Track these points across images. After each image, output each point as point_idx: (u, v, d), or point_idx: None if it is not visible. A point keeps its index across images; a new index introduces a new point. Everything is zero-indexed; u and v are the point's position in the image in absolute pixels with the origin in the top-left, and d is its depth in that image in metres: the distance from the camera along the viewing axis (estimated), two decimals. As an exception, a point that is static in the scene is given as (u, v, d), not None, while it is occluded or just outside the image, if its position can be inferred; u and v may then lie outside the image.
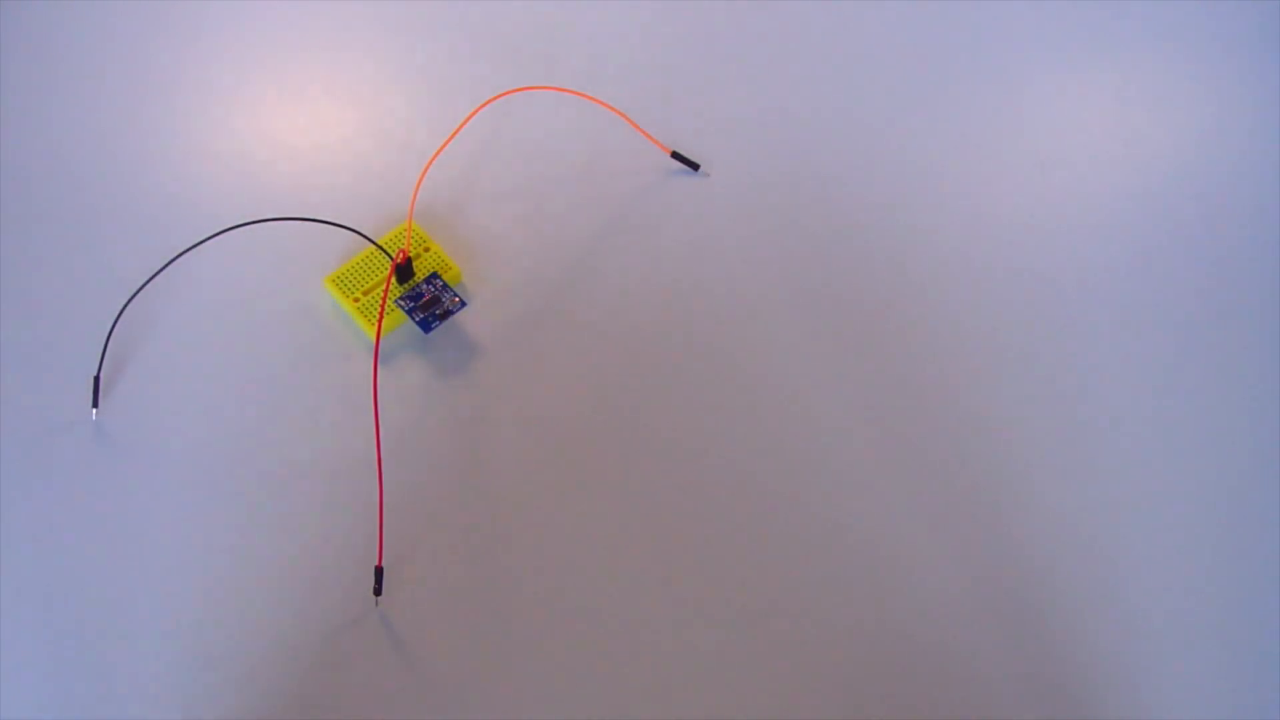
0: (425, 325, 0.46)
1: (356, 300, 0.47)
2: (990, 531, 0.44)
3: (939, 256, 0.51)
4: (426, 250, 0.48)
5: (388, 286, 0.46)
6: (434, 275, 0.47)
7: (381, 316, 0.45)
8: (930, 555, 0.44)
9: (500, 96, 0.48)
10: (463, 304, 0.46)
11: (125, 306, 0.45)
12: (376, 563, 0.41)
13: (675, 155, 0.52)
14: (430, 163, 0.47)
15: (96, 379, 0.44)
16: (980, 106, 0.55)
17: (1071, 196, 0.53)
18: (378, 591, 0.41)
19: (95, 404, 0.44)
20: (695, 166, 0.52)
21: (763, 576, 0.43)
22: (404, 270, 0.47)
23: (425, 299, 0.46)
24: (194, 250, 0.46)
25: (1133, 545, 0.44)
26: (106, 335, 0.45)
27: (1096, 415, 0.47)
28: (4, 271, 0.48)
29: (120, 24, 0.55)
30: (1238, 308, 0.50)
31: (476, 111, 0.48)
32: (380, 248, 0.48)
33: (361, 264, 0.48)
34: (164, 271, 0.46)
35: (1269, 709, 0.42)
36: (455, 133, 0.47)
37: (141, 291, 0.45)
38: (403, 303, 0.46)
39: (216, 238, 0.46)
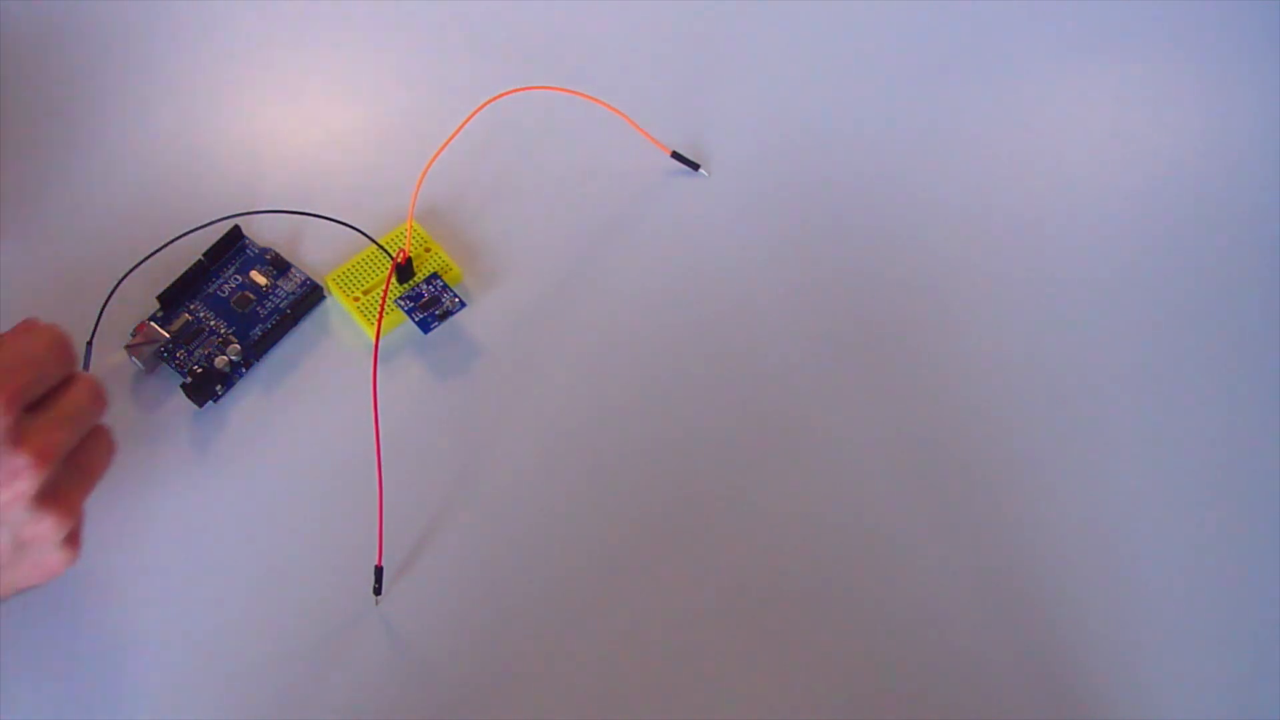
0: (425, 325, 0.46)
1: (356, 299, 0.47)
2: (991, 530, 0.44)
3: (939, 255, 0.51)
4: (427, 250, 0.48)
5: (387, 286, 0.46)
6: (434, 275, 0.47)
7: (381, 316, 0.45)
8: (933, 555, 0.44)
9: (500, 96, 0.48)
10: (462, 304, 0.46)
11: (120, 282, 0.45)
12: (376, 562, 0.41)
13: (675, 155, 0.52)
14: (431, 162, 0.47)
15: (89, 344, 0.44)
16: (980, 107, 0.55)
17: (1071, 195, 0.53)
18: (378, 591, 0.41)
19: (85, 366, 0.44)
20: (695, 166, 0.52)
21: (766, 577, 0.43)
22: (404, 270, 0.47)
23: (425, 299, 0.46)
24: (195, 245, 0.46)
25: (1136, 546, 0.44)
26: (101, 306, 0.45)
27: (1097, 413, 0.47)
28: (25, 244, 0.48)
29: (124, 24, 0.55)
30: (1238, 306, 0.50)
31: (477, 111, 0.48)
32: (381, 247, 0.47)
33: (362, 263, 0.48)
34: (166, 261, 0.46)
35: (1269, 709, 0.42)
36: (456, 133, 0.47)
37: (142, 274, 0.45)
38: (403, 303, 0.46)
39: (215, 225, 0.46)
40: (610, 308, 0.49)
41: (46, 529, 0.35)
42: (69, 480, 0.36)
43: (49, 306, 0.47)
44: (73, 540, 0.37)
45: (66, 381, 0.37)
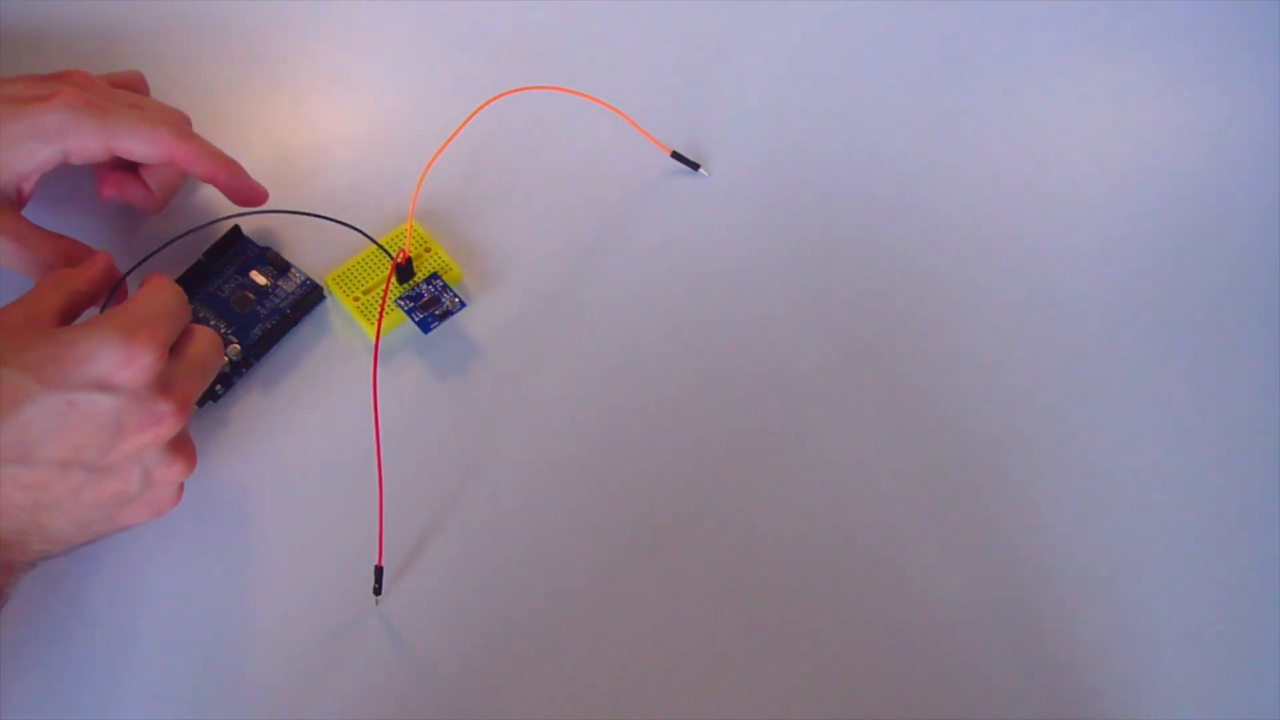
0: (425, 325, 0.46)
1: (356, 299, 0.47)
2: (994, 536, 0.44)
3: (939, 255, 0.51)
4: (427, 250, 0.48)
5: (387, 286, 0.46)
6: (434, 275, 0.47)
7: (381, 316, 0.45)
8: (935, 561, 0.44)
9: (500, 96, 0.48)
10: (462, 304, 0.46)
11: (120, 282, 0.45)
12: (376, 562, 0.41)
13: (675, 155, 0.52)
14: (431, 162, 0.47)
15: None
16: (980, 107, 0.55)
17: (1071, 195, 0.53)
18: (378, 591, 0.41)
19: None
20: (695, 166, 0.52)
21: (766, 579, 0.43)
22: (404, 270, 0.47)
23: (425, 299, 0.46)
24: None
25: (1137, 550, 0.44)
26: (101, 306, 0.45)
27: (1096, 413, 0.47)
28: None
29: (122, 24, 0.55)
30: (1238, 308, 0.50)
31: (477, 111, 0.48)
32: (381, 247, 0.47)
33: (362, 263, 0.48)
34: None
35: (1269, 709, 0.42)
36: (456, 133, 0.47)
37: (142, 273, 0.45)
38: (402, 303, 0.46)
39: (215, 225, 0.46)
40: (610, 307, 0.49)
41: (175, 473, 0.38)
42: (189, 429, 0.39)
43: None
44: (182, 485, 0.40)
45: (188, 333, 0.39)
